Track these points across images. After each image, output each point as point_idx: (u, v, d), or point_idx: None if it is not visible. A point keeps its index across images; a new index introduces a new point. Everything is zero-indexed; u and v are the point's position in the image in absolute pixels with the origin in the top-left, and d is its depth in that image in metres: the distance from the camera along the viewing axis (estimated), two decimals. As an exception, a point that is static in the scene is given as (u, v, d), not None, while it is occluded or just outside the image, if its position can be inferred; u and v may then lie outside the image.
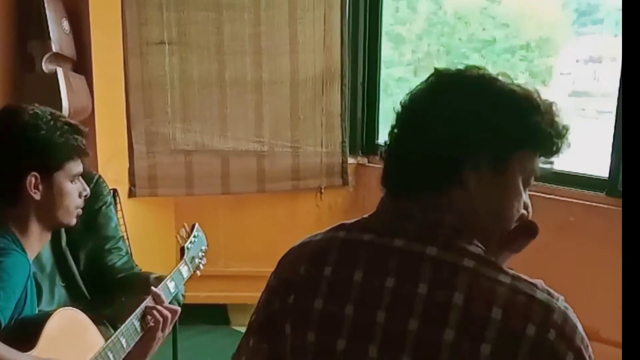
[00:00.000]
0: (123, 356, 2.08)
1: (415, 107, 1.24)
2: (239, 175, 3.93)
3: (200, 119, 3.87)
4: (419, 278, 1.14)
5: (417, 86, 1.25)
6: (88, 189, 2.11)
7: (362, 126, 4.11)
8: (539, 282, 1.15)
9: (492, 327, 1.08)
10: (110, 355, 2.02)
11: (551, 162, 1.27)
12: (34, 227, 2.00)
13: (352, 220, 1.28)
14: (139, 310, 2.15)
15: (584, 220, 3.36)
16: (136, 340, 2.13)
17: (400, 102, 1.26)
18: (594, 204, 3.35)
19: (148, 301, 2.19)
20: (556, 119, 1.22)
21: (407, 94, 1.25)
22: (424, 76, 1.28)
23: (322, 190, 4.01)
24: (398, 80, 4.31)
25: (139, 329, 2.14)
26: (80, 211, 2.10)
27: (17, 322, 1.86)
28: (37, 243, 2.03)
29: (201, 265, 2.52)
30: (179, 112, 3.84)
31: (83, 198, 2.09)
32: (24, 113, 2.00)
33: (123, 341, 2.07)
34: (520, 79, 3.92)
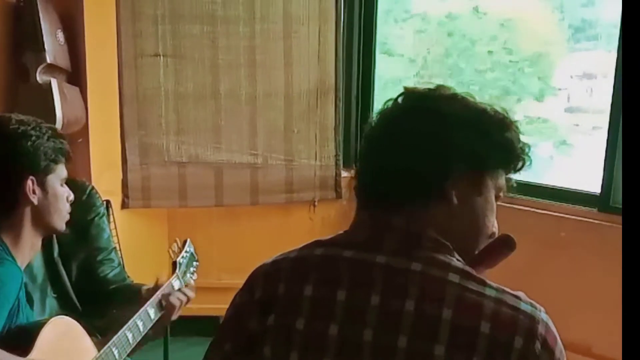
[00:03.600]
0: None
1: (388, 124, 1.25)
2: (232, 187, 3.93)
3: (194, 131, 3.87)
4: (406, 294, 1.13)
5: (385, 104, 1.27)
6: (72, 194, 2.13)
7: (355, 139, 4.12)
8: (521, 294, 1.16)
9: (481, 341, 1.09)
10: None
11: (513, 179, 1.30)
12: (27, 235, 2.01)
13: (328, 237, 1.26)
14: (154, 299, 2.27)
15: (575, 236, 3.36)
16: (128, 351, 2.14)
17: (369, 121, 1.27)
18: (586, 219, 3.35)
19: (164, 289, 2.32)
20: (521, 136, 1.26)
21: (377, 113, 1.27)
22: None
23: (316, 203, 4.02)
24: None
25: (153, 316, 2.26)
26: (68, 216, 2.12)
27: (11, 330, 1.86)
28: (28, 252, 2.04)
29: (192, 281, 2.51)
30: (172, 124, 3.85)
31: (70, 203, 2.12)
32: (9, 122, 2.02)
33: (115, 352, 2.07)
34: (516, 94, 3.92)
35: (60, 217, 2.08)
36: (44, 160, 2.00)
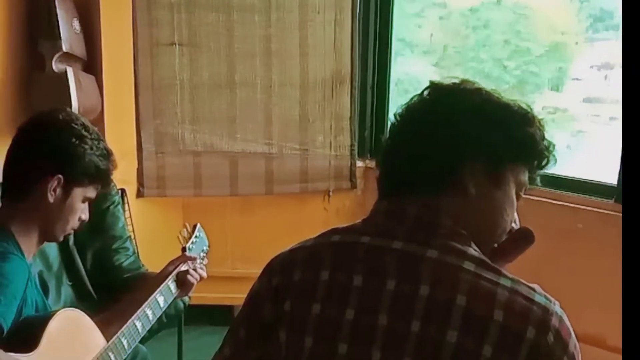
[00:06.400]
0: (125, 356, 2.07)
1: (413, 117, 1.27)
2: (247, 177, 3.93)
3: (210, 120, 3.87)
4: (420, 280, 1.13)
5: (412, 98, 1.28)
6: (87, 216, 2.10)
7: (371, 129, 4.10)
8: (536, 286, 1.16)
9: (493, 329, 1.09)
10: (112, 356, 2.02)
11: (538, 176, 1.29)
12: (34, 230, 1.99)
13: (345, 225, 1.28)
14: (172, 276, 2.32)
15: (592, 227, 3.34)
16: (138, 340, 2.15)
17: (395, 113, 1.29)
18: (603, 210, 3.33)
19: (181, 267, 2.36)
20: (545, 134, 1.26)
21: (403, 105, 1.28)
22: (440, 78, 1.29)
23: (330, 193, 4.01)
24: (414, 82, 4.30)
25: (174, 290, 2.33)
26: (71, 231, 2.10)
27: (19, 323, 1.84)
28: (34, 247, 2.02)
29: (203, 266, 2.51)
30: (188, 113, 3.85)
31: (80, 222, 2.09)
32: (76, 121, 2.03)
33: (124, 342, 2.06)
34: (534, 84, 3.90)
35: (63, 228, 2.04)
36: (81, 171, 1.99)
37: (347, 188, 4.01)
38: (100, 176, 2.05)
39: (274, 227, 3.92)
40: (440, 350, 1.10)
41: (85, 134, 2.00)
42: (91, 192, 2.06)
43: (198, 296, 2.72)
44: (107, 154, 2.06)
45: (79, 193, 2.01)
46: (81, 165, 1.99)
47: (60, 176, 1.96)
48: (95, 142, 2.02)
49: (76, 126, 2.01)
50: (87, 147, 1.99)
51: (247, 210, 4.06)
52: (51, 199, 1.96)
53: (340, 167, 3.98)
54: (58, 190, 1.97)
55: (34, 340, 1.81)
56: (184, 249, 2.44)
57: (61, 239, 2.09)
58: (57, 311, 1.96)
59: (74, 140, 1.98)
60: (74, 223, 2.05)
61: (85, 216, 2.09)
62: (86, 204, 2.08)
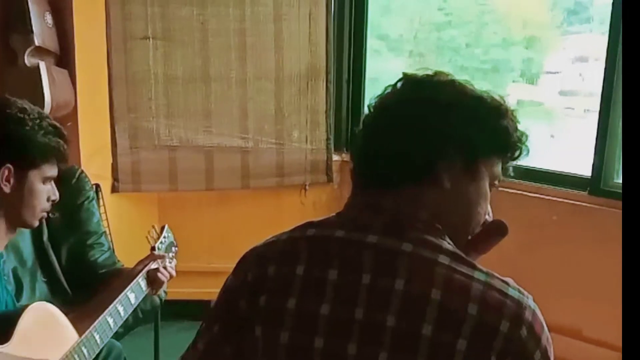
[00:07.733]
0: (97, 351, 2.07)
1: (387, 110, 1.26)
2: (223, 171, 3.92)
3: (185, 114, 3.85)
4: (396, 274, 1.14)
5: (385, 89, 1.27)
6: (57, 195, 2.08)
7: (347, 123, 4.11)
8: (510, 280, 1.16)
9: (468, 323, 1.09)
10: (85, 351, 2.01)
11: (511, 167, 1.30)
12: (0, 221, 1.98)
13: (320, 218, 1.27)
14: (142, 274, 2.32)
15: (566, 219, 3.37)
16: (110, 335, 2.14)
17: (369, 105, 1.28)
18: (577, 202, 3.36)
19: (151, 265, 2.35)
20: (518, 125, 1.26)
21: (376, 97, 1.27)
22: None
23: (307, 187, 4.01)
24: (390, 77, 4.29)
25: (144, 287, 2.33)
26: (45, 214, 2.08)
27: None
28: (3, 238, 2.01)
29: (173, 265, 2.51)
30: (162, 108, 3.83)
31: (50, 202, 2.07)
32: (11, 106, 1.99)
33: (97, 337, 2.06)
34: (509, 77, 3.91)
35: (32, 214, 2.02)
36: (29, 153, 1.96)
37: (324, 182, 4.01)
38: (52, 153, 2.01)
39: (251, 222, 3.91)
40: (416, 344, 1.10)
41: (23, 116, 1.96)
42: (49, 171, 2.02)
43: (174, 291, 2.71)
44: (54, 130, 2.02)
45: (34, 175, 1.98)
46: (27, 148, 1.95)
47: (9, 165, 1.93)
48: (37, 122, 1.98)
49: (11, 111, 1.97)
50: (28, 128, 1.95)
51: (223, 205, 4.05)
52: (7, 190, 1.94)
53: (316, 161, 3.98)
54: (11, 180, 1.94)
55: (5, 334, 1.80)
56: (152, 248, 2.45)
57: (36, 223, 2.07)
58: (28, 305, 1.94)
59: (12, 126, 1.94)
60: (42, 206, 2.03)
61: (54, 196, 2.06)
62: (52, 184, 2.05)
